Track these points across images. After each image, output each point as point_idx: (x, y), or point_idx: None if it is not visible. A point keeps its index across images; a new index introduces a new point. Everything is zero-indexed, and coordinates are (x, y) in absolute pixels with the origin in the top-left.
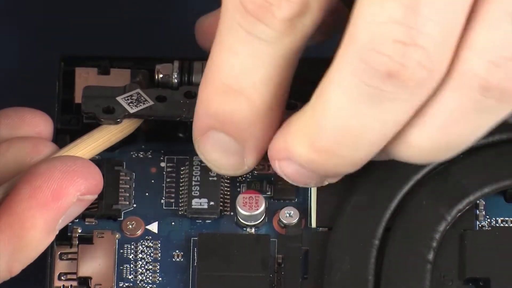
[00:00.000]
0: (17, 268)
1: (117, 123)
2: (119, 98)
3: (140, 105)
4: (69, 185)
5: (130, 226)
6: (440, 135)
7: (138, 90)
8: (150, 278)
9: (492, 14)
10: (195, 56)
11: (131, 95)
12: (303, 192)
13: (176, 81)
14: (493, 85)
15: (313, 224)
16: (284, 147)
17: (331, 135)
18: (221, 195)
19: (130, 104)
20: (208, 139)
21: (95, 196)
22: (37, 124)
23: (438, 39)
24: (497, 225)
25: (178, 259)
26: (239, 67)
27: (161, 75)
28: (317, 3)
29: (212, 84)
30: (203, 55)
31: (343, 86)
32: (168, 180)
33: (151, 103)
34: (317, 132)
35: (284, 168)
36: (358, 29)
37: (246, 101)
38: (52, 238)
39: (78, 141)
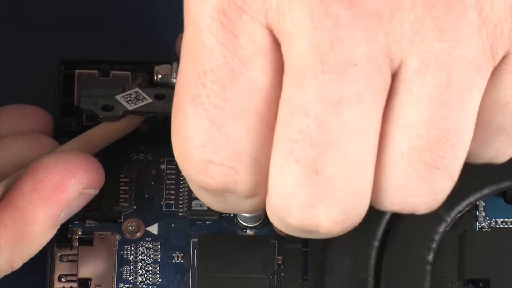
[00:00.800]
0: (18, 262)
1: (117, 119)
2: (118, 97)
3: (139, 103)
4: (71, 178)
5: (130, 228)
6: None
7: (137, 89)
8: (150, 279)
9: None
10: None
11: (130, 94)
12: None
13: (175, 81)
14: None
15: None
16: None
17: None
18: None
19: (129, 102)
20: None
21: (97, 191)
22: (38, 121)
23: (347, 194)
24: (497, 226)
25: (178, 261)
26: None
27: (160, 76)
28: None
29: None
30: None
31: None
32: (168, 182)
33: (150, 100)
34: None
35: None
36: (269, 191)
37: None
38: (53, 232)
39: (79, 138)
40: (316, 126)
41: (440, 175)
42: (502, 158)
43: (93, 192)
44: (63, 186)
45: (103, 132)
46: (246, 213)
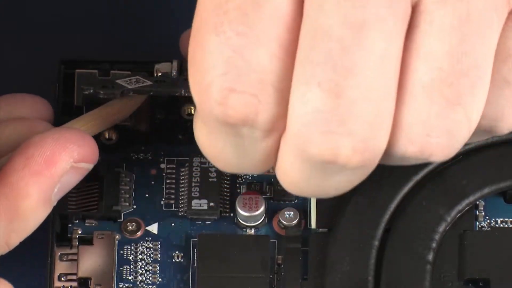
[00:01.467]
0: (15, 240)
1: (117, 96)
2: (118, 81)
3: (139, 84)
4: (61, 151)
5: (130, 227)
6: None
7: (138, 76)
8: (150, 279)
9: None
10: None
11: (130, 79)
12: None
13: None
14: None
15: (313, 225)
16: None
17: (293, 188)
18: (221, 196)
19: (129, 83)
20: None
21: (91, 166)
22: (37, 109)
23: (370, 124)
24: (497, 225)
25: (178, 260)
26: (230, 157)
27: (160, 74)
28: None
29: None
30: None
31: (292, 167)
32: (168, 181)
33: (150, 83)
34: (282, 183)
35: None
36: (292, 117)
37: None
38: (48, 209)
39: (78, 119)
40: (339, 49)
41: (459, 115)
42: (503, 121)
43: (87, 166)
44: (54, 160)
45: (103, 113)
46: (258, 162)
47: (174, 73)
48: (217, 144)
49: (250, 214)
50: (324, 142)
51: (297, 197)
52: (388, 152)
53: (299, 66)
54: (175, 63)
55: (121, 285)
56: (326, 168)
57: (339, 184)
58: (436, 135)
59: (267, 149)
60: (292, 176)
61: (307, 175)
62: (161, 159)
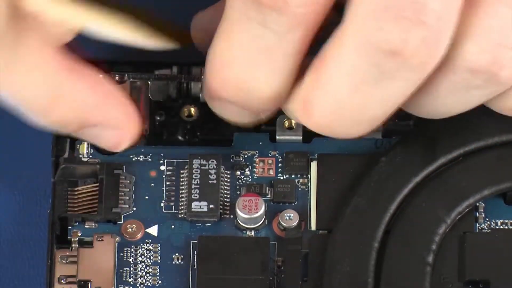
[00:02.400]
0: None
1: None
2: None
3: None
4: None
5: (130, 230)
6: (435, 106)
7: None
8: (150, 281)
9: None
10: (193, 61)
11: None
12: (302, 195)
13: (174, 90)
14: (482, 69)
15: (313, 227)
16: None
17: (328, 111)
18: (221, 198)
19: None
20: (222, 105)
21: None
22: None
23: (441, 16)
24: (497, 227)
25: (178, 262)
26: (249, 62)
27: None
28: None
29: (220, 78)
30: (202, 60)
31: (345, 63)
32: (167, 183)
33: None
34: (315, 106)
35: None
36: (361, 5)
37: (257, 93)
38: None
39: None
40: None
41: None
42: None
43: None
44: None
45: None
46: (273, 75)
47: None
48: (243, 36)
49: (250, 216)
50: (396, 28)
51: (297, 199)
52: (452, 64)
53: None
54: (174, 69)
55: (121, 287)
56: (386, 66)
57: (387, 96)
58: (510, 46)
59: (293, 41)
60: (334, 89)
61: (357, 81)
62: (161, 161)
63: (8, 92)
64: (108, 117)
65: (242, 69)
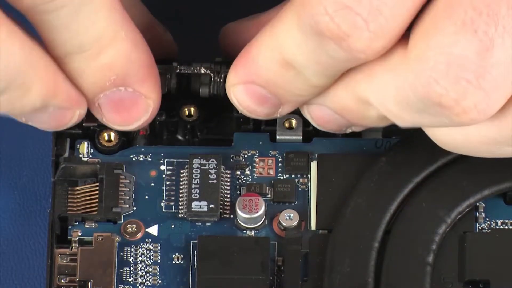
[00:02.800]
0: None
1: None
2: None
3: None
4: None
5: (130, 229)
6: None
7: None
8: (150, 280)
9: None
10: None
11: None
12: (302, 195)
13: (174, 81)
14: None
15: (313, 227)
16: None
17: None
18: (221, 198)
19: None
20: (248, 90)
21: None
22: None
23: (501, 87)
24: (497, 227)
25: (178, 262)
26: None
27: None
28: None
29: (269, 51)
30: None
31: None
32: (168, 183)
33: None
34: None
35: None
36: (419, 57)
37: (302, 79)
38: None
39: None
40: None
41: None
42: None
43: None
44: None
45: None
46: (315, 82)
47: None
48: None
49: (250, 216)
50: (454, 86)
51: (297, 199)
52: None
53: (447, 5)
54: (174, 65)
55: (121, 287)
56: (433, 113)
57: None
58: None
59: (337, 72)
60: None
61: (411, 112)
62: (161, 161)
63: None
64: (146, 83)
65: (295, 53)
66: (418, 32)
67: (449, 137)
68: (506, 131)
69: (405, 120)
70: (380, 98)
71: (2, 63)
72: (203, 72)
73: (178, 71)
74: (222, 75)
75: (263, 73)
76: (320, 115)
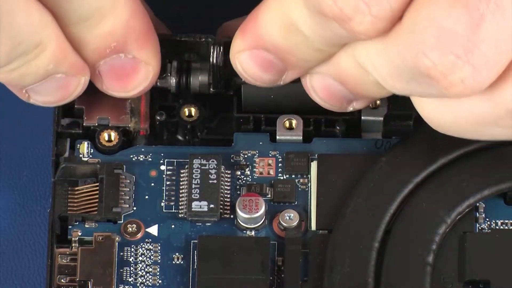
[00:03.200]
0: None
1: None
2: None
3: None
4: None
5: (130, 229)
6: None
7: None
8: (150, 280)
9: None
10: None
11: None
12: (302, 195)
13: (173, 80)
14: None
15: (313, 227)
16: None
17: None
18: (221, 198)
19: None
20: (254, 56)
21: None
22: None
23: (489, 62)
24: (497, 227)
25: (178, 262)
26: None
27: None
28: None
29: (277, 16)
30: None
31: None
32: (168, 183)
33: None
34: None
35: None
36: (410, 29)
37: (308, 44)
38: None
39: None
40: None
41: None
42: None
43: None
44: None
45: None
46: (316, 53)
47: (174, 74)
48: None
49: (250, 216)
50: (443, 60)
51: (297, 199)
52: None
53: None
54: (174, 64)
55: (121, 287)
56: (422, 83)
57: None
58: None
59: (340, 43)
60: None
61: (402, 81)
62: (161, 161)
63: None
64: (146, 49)
65: (303, 19)
66: (412, 5)
67: (438, 115)
68: (495, 109)
69: (396, 88)
70: (375, 64)
71: (23, 22)
72: (203, 40)
73: (178, 38)
74: (222, 46)
75: (270, 38)
76: (322, 86)
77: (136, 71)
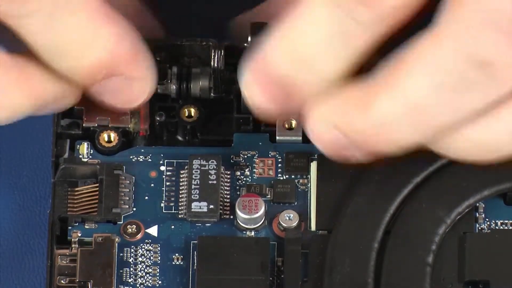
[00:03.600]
0: None
1: None
2: None
3: None
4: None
5: (130, 230)
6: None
7: None
8: (150, 281)
9: None
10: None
11: None
12: (302, 195)
13: (174, 86)
14: None
15: (313, 227)
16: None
17: (393, 111)
18: (221, 199)
19: None
20: (261, 85)
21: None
22: None
23: None
24: (497, 227)
25: (177, 263)
26: (322, 42)
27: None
28: None
29: (283, 46)
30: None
31: (433, 65)
32: (167, 183)
33: None
34: (379, 104)
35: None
36: (462, 12)
37: (316, 75)
38: None
39: None
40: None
41: None
42: None
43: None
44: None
45: None
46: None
47: (174, 81)
48: (314, 19)
49: (250, 216)
50: (494, 41)
51: (297, 199)
52: None
53: None
54: (174, 70)
55: None
56: (472, 75)
57: (461, 104)
58: None
59: (368, 42)
60: (411, 89)
61: (438, 84)
62: (161, 161)
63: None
64: (136, 68)
65: (312, 45)
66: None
67: (477, 141)
68: None
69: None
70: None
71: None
72: (204, 44)
73: (178, 43)
74: (222, 50)
75: (276, 70)
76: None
77: (131, 89)
